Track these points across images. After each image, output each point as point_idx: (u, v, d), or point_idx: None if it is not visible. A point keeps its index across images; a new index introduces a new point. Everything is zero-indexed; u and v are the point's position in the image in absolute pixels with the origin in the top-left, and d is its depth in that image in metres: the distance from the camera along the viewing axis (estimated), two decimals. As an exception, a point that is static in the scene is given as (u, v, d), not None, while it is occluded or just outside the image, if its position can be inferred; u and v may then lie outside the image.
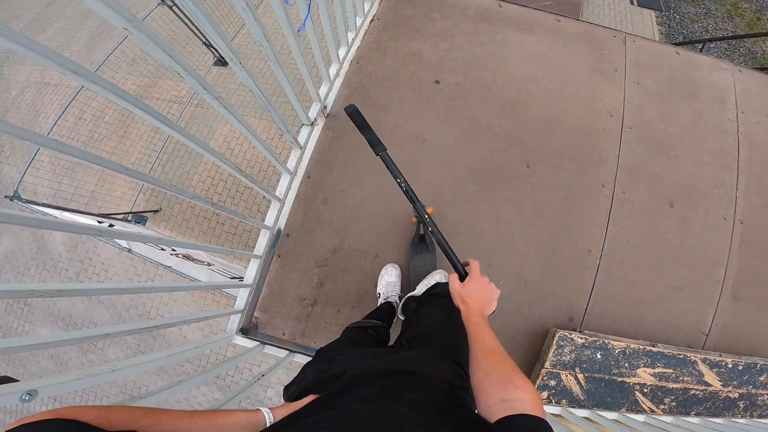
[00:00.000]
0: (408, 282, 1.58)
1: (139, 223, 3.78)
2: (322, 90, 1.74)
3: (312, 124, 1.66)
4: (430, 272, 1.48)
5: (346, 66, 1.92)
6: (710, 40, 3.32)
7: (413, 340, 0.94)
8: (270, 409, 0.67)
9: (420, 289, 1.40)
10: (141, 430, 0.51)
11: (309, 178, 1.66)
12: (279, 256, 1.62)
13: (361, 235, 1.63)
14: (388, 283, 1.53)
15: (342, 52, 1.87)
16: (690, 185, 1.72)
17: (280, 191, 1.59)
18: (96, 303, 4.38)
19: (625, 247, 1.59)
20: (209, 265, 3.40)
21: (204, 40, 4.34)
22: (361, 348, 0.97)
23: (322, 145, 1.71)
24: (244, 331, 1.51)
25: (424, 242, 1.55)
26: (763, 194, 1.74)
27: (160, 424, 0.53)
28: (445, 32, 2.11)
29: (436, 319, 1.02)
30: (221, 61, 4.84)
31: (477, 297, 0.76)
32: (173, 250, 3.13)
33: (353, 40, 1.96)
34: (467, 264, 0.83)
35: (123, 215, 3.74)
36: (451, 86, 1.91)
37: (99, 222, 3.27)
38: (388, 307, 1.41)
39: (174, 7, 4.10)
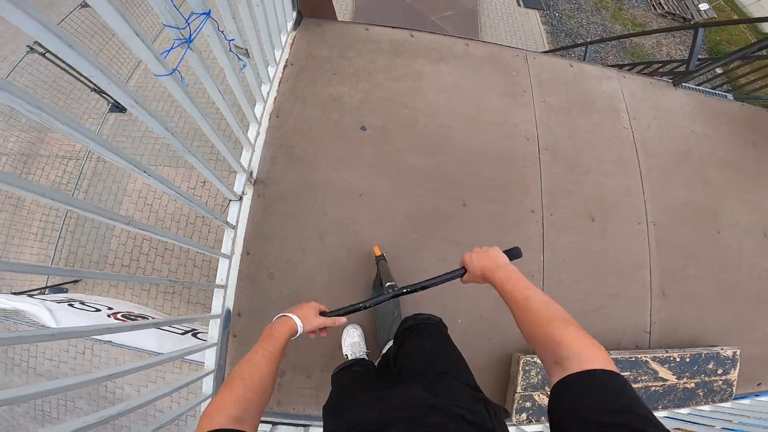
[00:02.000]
0: (375, 331, 1.59)
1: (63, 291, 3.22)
2: (245, 157, 1.61)
3: (240, 198, 1.53)
4: (396, 322, 1.49)
5: (265, 122, 1.81)
6: (590, 43, 3.76)
7: (416, 379, 0.89)
8: None
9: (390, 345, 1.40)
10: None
11: (249, 254, 1.54)
12: (234, 336, 1.49)
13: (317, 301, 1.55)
14: (353, 343, 1.53)
15: (258, 109, 1.76)
16: (603, 197, 1.92)
17: (221, 277, 1.45)
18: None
19: (561, 266, 1.72)
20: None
21: (92, 86, 3.82)
22: (363, 390, 0.91)
23: (256, 216, 1.60)
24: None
25: (381, 285, 1.52)
26: (665, 195, 2.00)
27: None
28: (363, 71, 2.09)
29: (427, 352, 0.99)
30: (117, 107, 4.32)
31: (484, 260, 0.79)
32: (109, 308, 2.69)
33: (268, 92, 1.85)
34: (462, 265, 0.86)
35: (39, 290, 3.15)
36: (377, 130, 1.91)
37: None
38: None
39: (47, 54, 3.55)
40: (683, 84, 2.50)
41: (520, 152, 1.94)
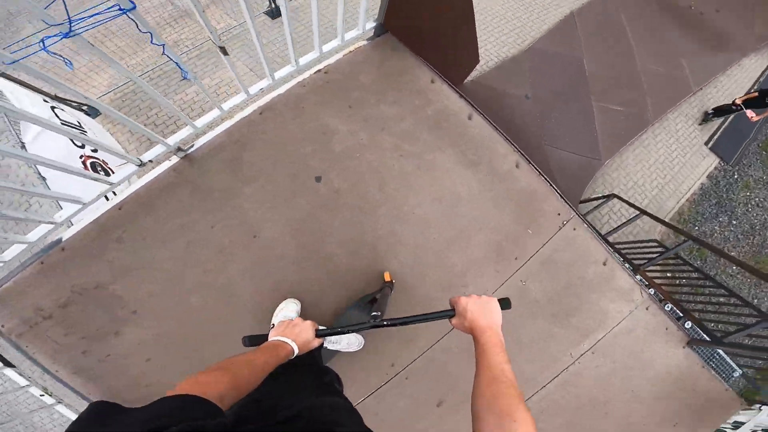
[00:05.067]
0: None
1: (89, 116, 3.70)
2: (181, 133, 1.55)
3: (141, 164, 1.50)
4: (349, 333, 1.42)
5: (248, 112, 1.72)
6: (712, 249, 2.92)
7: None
8: None
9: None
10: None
11: (120, 209, 1.54)
12: (42, 263, 1.47)
13: (137, 286, 1.52)
14: (286, 317, 1.48)
15: (254, 89, 1.62)
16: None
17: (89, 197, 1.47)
18: None
19: None
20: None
21: None
22: None
23: (156, 185, 1.58)
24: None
25: (372, 304, 1.50)
26: None
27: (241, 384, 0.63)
28: (379, 122, 1.86)
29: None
30: None
31: (479, 316, 0.77)
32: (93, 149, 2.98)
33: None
34: (453, 304, 0.85)
35: (78, 103, 3.62)
36: (328, 190, 1.72)
37: (44, 101, 3.16)
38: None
39: None
40: (694, 346, 2.03)
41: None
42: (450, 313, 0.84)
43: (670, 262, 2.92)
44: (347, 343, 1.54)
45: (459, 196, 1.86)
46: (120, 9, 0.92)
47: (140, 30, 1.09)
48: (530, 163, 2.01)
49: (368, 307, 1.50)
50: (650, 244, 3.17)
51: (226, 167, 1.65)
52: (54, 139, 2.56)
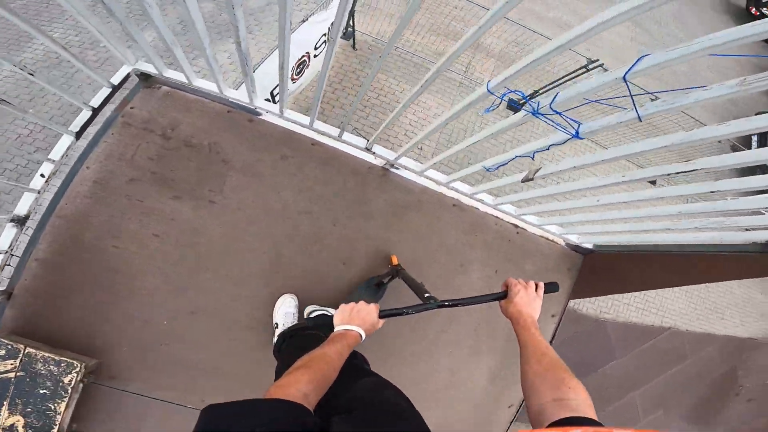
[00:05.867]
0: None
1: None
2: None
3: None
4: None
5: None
6: None
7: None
8: None
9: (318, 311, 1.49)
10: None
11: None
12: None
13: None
14: (287, 313, 1.52)
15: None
16: None
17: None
18: None
19: None
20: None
21: None
22: None
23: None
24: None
25: (379, 287, 1.55)
26: None
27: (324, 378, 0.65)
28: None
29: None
30: None
31: (526, 307, 0.84)
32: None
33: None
34: (506, 287, 0.92)
35: None
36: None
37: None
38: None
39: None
40: None
41: None
42: (502, 295, 0.90)
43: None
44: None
45: None
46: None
47: None
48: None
49: (375, 289, 1.55)
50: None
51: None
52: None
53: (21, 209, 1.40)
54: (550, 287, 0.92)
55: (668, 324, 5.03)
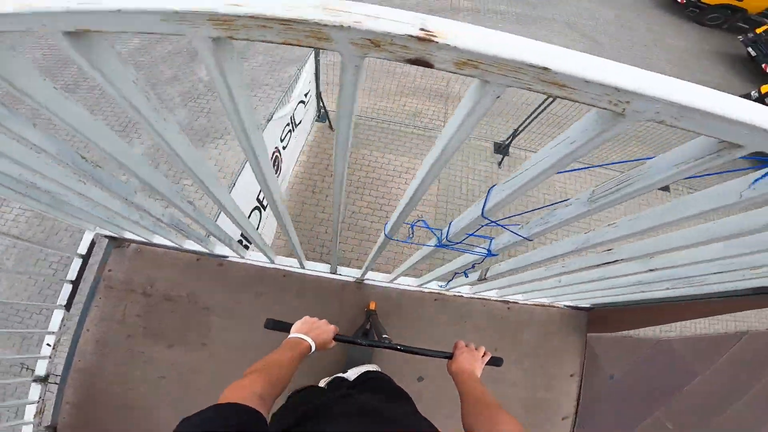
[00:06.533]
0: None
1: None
2: None
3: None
4: (365, 363, 1.57)
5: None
6: None
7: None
8: None
9: (351, 374, 1.45)
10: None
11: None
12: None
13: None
14: None
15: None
16: None
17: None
18: None
19: None
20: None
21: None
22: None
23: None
24: None
25: (366, 336, 1.59)
26: None
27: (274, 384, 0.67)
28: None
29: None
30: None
31: (467, 365, 0.90)
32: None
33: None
34: (455, 347, 0.97)
35: None
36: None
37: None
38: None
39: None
40: None
41: None
42: (449, 355, 0.95)
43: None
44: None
45: None
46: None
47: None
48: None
49: (364, 338, 1.61)
50: None
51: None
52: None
53: (40, 371, 1.65)
54: (495, 360, 0.97)
55: (743, 327, 4.41)
